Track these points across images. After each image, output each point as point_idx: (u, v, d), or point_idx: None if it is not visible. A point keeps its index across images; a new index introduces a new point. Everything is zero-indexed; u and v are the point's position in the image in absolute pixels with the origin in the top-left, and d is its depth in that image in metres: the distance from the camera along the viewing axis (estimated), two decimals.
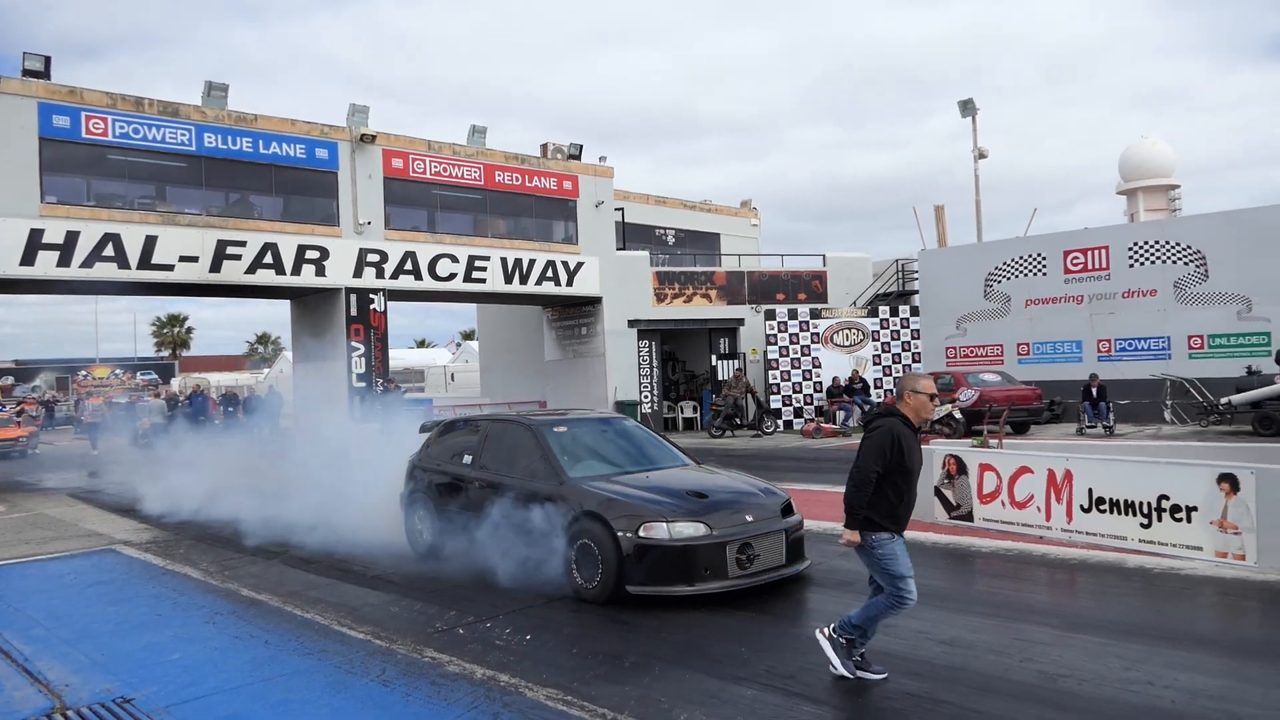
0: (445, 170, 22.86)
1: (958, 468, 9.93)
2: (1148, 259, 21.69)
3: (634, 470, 7.95)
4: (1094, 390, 19.71)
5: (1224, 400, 18.20)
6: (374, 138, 21.46)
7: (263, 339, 78.47)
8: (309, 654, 6.01)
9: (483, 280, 23.44)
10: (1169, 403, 20.24)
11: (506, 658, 5.78)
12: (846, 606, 6.35)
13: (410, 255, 22.10)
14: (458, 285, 23.11)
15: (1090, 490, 8.57)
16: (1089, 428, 19.46)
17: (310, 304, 22.02)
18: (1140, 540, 8.10)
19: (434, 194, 22.96)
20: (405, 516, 9.25)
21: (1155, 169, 44.20)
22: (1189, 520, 7.75)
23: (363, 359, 21.07)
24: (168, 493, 13.19)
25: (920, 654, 5.60)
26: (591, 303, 25.96)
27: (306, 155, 20.59)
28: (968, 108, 30.30)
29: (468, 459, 8.66)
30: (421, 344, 77.66)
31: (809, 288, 28.78)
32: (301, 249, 20.37)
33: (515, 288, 24.11)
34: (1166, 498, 7.93)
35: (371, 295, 21.38)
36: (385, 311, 21.65)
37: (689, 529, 6.75)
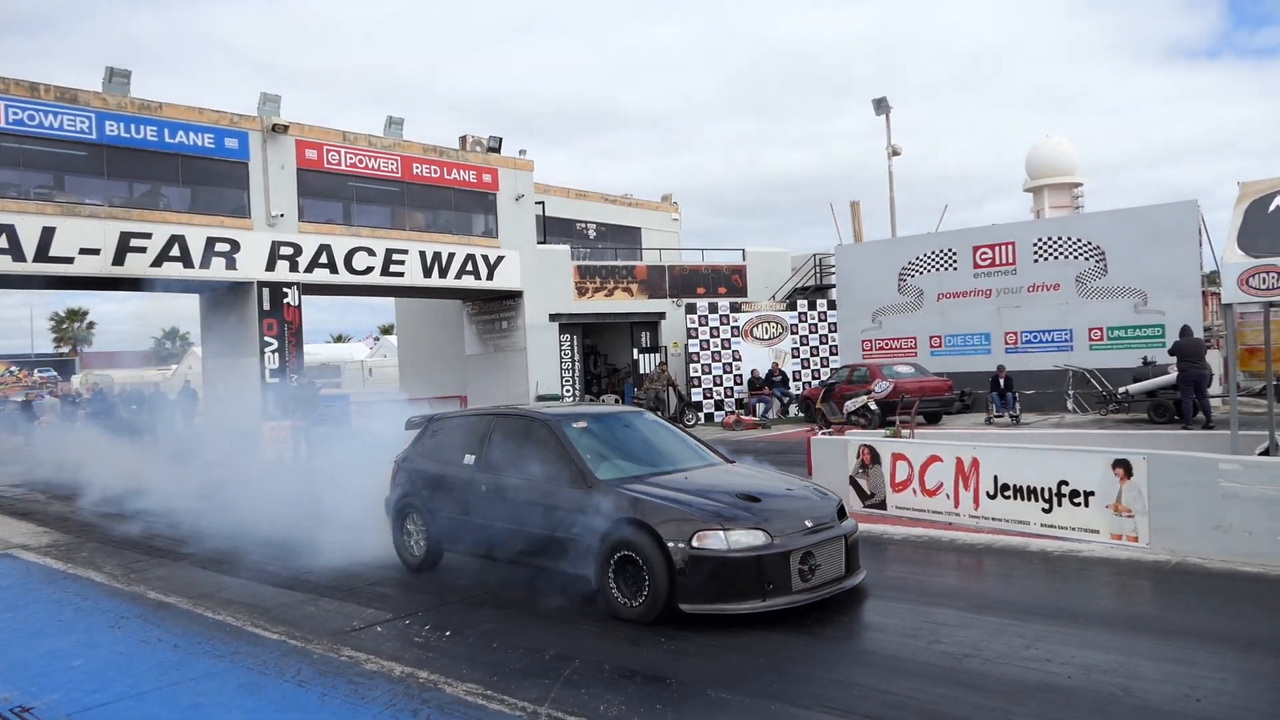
0: (361, 162, 22.43)
1: (871, 457, 10.18)
2: (1052, 254, 22.49)
3: (667, 470, 7.09)
4: (1001, 381, 20.38)
5: (1121, 390, 18.99)
6: (286, 128, 20.93)
7: (171, 334, 75.88)
8: (220, 656, 5.87)
9: (401, 274, 23.09)
10: (1071, 392, 21.05)
11: (426, 654, 5.74)
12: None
13: (325, 248, 21.64)
14: (375, 279, 22.73)
15: (995, 477, 8.89)
16: (997, 417, 20.11)
17: (221, 298, 21.38)
18: (1042, 524, 8.43)
19: (350, 186, 22.51)
20: (393, 524, 8.34)
21: (1060, 167, 45.91)
22: (1087, 504, 8.10)
23: (276, 354, 20.55)
24: (68, 493, 12.72)
25: (836, 639, 5.75)
26: (512, 296, 25.81)
27: (215, 145, 19.98)
28: (881, 106, 30.96)
29: (470, 458, 7.71)
30: (339, 339, 76.09)
31: (729, 282, 29.10)
32: (211, 241, 19.76)
33: (434, 281, 23.81)
34: (1066, 483, 8.28)
35: (285, 289, 20.87)
36: (300, 306, 21.16)
37: (747, 537, 5.98)
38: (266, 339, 20.46)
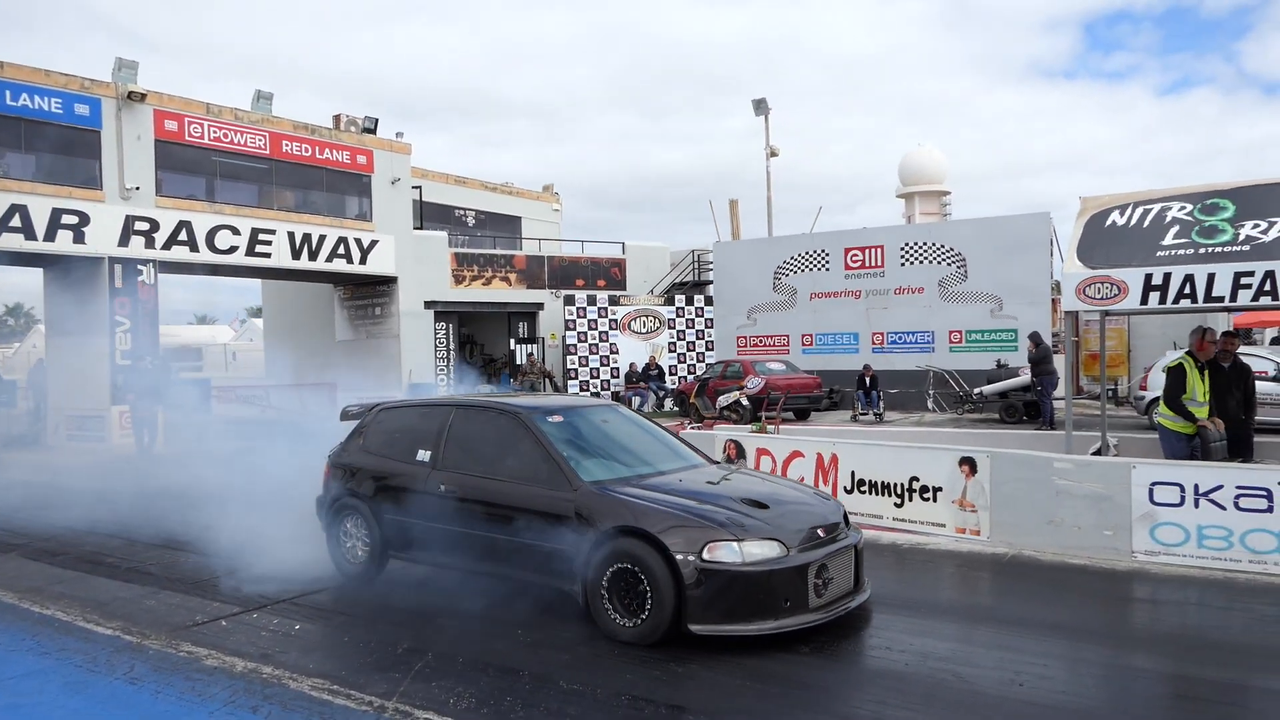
0: (226, 136, 21.44)
1: (737, 452, 10.37)
2: (917, 259, 23.41)
3: (655, 472, 6.44)
4: (867, 380, 21.11)
5: (976, 391, 19.96)
6: (144, 96, 19.81)
7: (14, 310, 71.10)
8: (45, 654, 5.53)
9: (268, 255, 22.21)
10: (931, 392, 21.99)
11: (272, 649, 5.54)
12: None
13: (185, 225, 20.61)
14: (239, 259, 21.79)
15: (853, 473, 9.19)
16: (862, 415, 20.82)
17: (68, 273, 20.08)
18: (894, 519, 8.77)
19: (213, 161, 21.49)
20: (327, 527, 7.40)
21: (930, 175, 47.88)
22: (935, 499, 8.47)
23: (129, 335, 19.47)
24: None
25: (686, 636, 5.82)
26: (386, 282, 25.20)
27: (64, 110, 18.73)
28: (761, 107, 31.55)
29: (424, 455, 6.85)
30: (202, 320, 72.75)
31: (608, 275, 29.19)
32: (57, 213, 18.55)
33: (304, 264, 23.02)
34: (917, 479, 8.63)
35: (140, 266, 19.79)
36: (156, 284, 20.10)
37: (761, 549, 5.40)
38: (118, 318, 19.36)
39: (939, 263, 23.07)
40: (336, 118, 24.48)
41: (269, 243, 22.14)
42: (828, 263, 24.75)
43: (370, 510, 7.06)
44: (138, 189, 19.78)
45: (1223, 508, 7.00)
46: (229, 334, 55.68)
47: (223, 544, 8.09)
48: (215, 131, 21.23)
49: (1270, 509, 6.83)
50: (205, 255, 21.09)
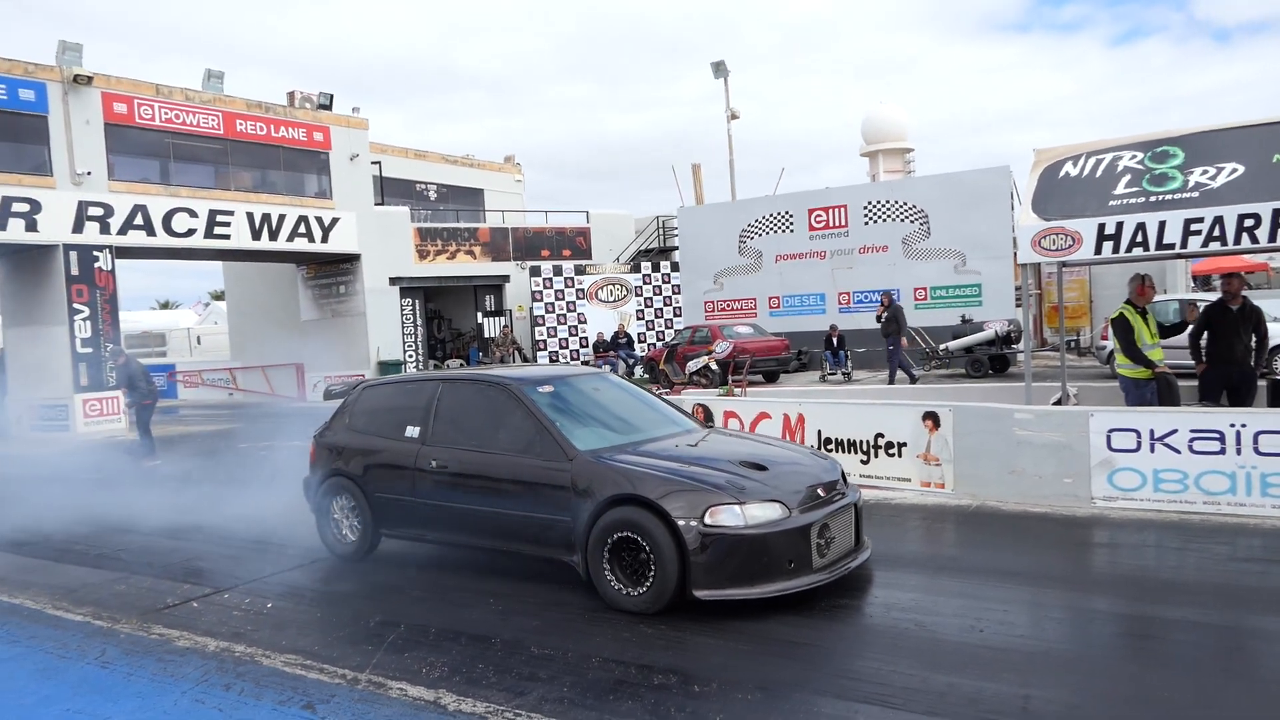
0: (178, 117, 21.05)
1: (705, 415, 10.44)
2: (880, 217, 23.54)
3: (649, 438, 6.32)
4: (834, 339, 21.26)
5: (942, 346, 20.19)
6: (90, 79, 19.38)
7: None
8: (14, 642, 5.51)
9: (227, 236, 21.92)
10: None
11: (244, 627, 5.56)
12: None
13: (140, 209, 20.26)
14: (198, 242, 21.50)
15: (820, 431, 9.29)
16: (830, 375, 20.99)
17: (21, 262, 19.75)
18: (861, 475, 8.87)
19: (166, 142, 21.11)
20: (316, 508, 7.30)
21: (892, 133, 47.86)
22: (900, 455, 8.60)
23: (88, 323, 19.19)
24: None
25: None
26: (349, 260, 24.98)
27: (8, 96, 18.30)
28: (720, 69, 31.33)
29: (413, 431, 6.73)
30: (165, 305, 71.67)
31: (573, 244, 29.09)
32: (7, 201, 18.18)
33: (265, 244, 22.75)
34: (882, 435, 8.75)
35: (96, 252, 19.47)
36: (113, 270, 19.79)
37: (764, 511, 5.31)
38: (76, 306, 19.07)
39: (902, 220, 23.20)
40: (290, 95, 24.10)
41: (228, 224, 21.84)
42: (792, 224, 24.82)
43: (360, 489, 6.95)
44: (89, 174, 19.41)
45: (1178, 451, 7.16)
46: (192, 318, 54.88)
47: (194, 525, 8.09)
48: (166, 113, 20.84)
49: (1223, 451, 7.00)
50: (163, 239, 20.79)
